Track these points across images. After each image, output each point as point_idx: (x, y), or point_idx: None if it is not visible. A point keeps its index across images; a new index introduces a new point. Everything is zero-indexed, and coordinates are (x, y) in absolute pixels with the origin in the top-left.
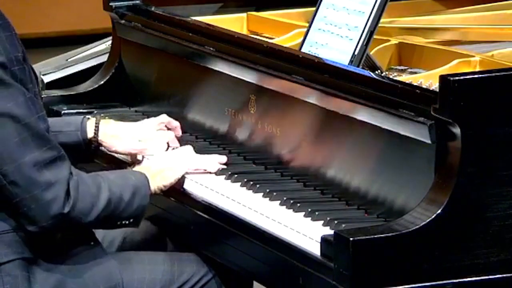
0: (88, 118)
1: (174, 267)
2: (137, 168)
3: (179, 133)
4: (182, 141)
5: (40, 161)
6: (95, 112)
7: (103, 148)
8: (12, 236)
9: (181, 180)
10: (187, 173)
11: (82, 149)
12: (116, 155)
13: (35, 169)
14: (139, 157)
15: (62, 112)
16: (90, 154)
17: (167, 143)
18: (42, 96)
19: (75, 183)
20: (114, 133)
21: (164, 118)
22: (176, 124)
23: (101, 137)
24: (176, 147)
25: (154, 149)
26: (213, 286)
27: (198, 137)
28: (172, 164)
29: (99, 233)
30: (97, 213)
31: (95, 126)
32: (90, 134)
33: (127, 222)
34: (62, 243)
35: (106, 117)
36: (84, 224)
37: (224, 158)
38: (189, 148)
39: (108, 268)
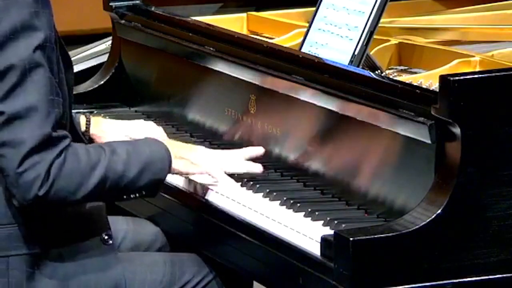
0: (81, 114)
1: (176, 268)
2: (168, 142)
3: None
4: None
5: (27, 143)
6: (95, 112)
7: (94, 142)
8: (22, 230)
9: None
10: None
11: None
12: None
13: (26, 149)
14: None
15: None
16: None
17: None
18: None
19: (59, 164)
20: (104, 128)
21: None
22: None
23: (93, 131)
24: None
25: None
26: (214, 287)
27: (198, 137)
28: (202, 160)
29: (118, 234)
30: (86, 191)
31: (87, 121)
32: (82, 128)
33: (137, 195)
34: (74, 237)
35: (102, 115)
36: (72, 201)
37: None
38: (230, 153)
39: (113, 269)
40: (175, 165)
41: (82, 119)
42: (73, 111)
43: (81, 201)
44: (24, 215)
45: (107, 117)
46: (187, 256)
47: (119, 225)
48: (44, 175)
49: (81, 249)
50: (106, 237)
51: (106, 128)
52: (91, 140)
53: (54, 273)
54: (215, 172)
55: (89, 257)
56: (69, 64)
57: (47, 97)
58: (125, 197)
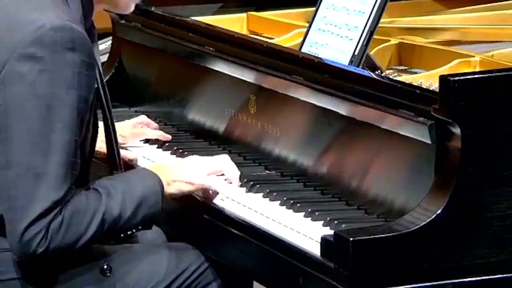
0: None
1: (173, 256)
2: (158, 169)
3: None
4: (179, 141)
5: (44, 204)
6: None
7: None
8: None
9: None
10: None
11: None
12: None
13: (38, 208)
14: (133, 156)
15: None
16: None
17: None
18: None
19: (58, 223)
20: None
21: (142, 118)
22: (155, 126)
23: None
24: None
25: (127, 148)
26: (210, 275)
27: (198, 137)
28: (194, 175)
29: None
30: (85, 241)
31: None
32: None
33: (134, 231)
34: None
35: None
36: (72, 250)
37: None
38: (221, 158)
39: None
40: (169, 191)
41: None
42: None
43: (79, 249)
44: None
45: None
46: (183, 245)
47: None
48: (44, 233)
49: (77, 279)
50: (105, 267)
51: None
52: None
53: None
54: (213, 185)
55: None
56: (96, 129)
57: (69, 158)
58: (122, 235)
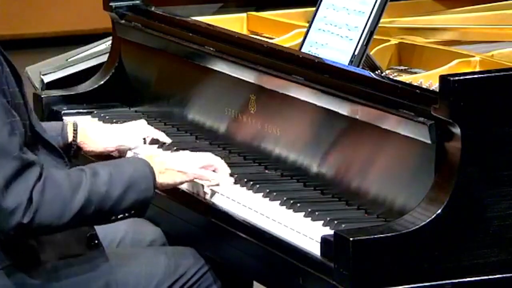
0: (68, 123)
1: (171, 260)
2: (150, 158)
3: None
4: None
5: (5, 174)
6: (95, 112)
7: (83, 151)
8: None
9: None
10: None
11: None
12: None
13: (1, 181)
14: (130, 154)
15: (62, 112)
16: (71, 157)
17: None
18: (42, 96)
19: (39, 190)
20: (90, 135)
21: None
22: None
23: (80, 139)
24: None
25: (130, 144)
26: (209, 278)
27: (198, 137)
28: (187, 165)
29: (99, 233)
30: (70, 215)
31: (74, 130)
32: (70, 137)
33: (126, 214)
34: (61, 246)
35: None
36: (58, 227)
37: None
38: (210, 155)
39: (101, 267)
40: (161, 179)
41: (70, 128)
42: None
43: (66, 227)
44: None
45: (107, 117)
46: (182, 248)
47: (119, 224)
48: (27, 202)
49: (72, 255)
50: (89, 236)
51: (92, 135)
52: (79, 149)
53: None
54: (206, 175)
55: (80, 264)
56: (18, 77)
57: (4, 122)
58: (112, 218)
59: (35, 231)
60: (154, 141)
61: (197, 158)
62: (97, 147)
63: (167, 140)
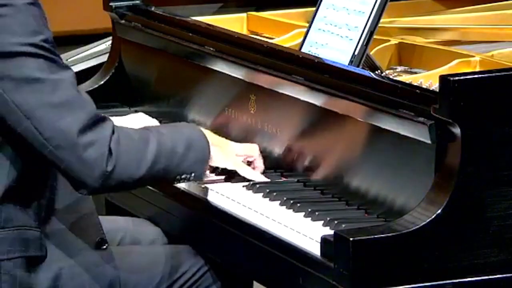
0: None
1: (173, 259)
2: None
3: None
4: None
5: (80, 123)
6: None
7: None
8: (17, 233)
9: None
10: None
11: None
12: None
13: (76, 130)
14: None
15: None
16: None
17: None
18: None
19: (116, 140)
20: None
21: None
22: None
23: None
24: None
25: None
26: (209, 279)
27: None
28: (230, 151)
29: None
30: (146, 167)
31: None
32: None
33: (187, 175)
34: (69, 241)
35: None
36: (136, 180)
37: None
38: (252, 147)
39: (107, 269)
40: (212, 151)
41: None
42: None
43: (143, 181)
44: (16, 220)
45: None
46: (183, 247)
47: (119, 224)
48: (107, 152)
49: (78, 251)
50: (100, 240)
51: None
52: None
53: (48, 277)
54: (242, 170)
55: (84, 260)
56: None
57: (72, 81)
58: (177, 177)
59: (118, 181)
60: None
61: (242, 147)
62: None
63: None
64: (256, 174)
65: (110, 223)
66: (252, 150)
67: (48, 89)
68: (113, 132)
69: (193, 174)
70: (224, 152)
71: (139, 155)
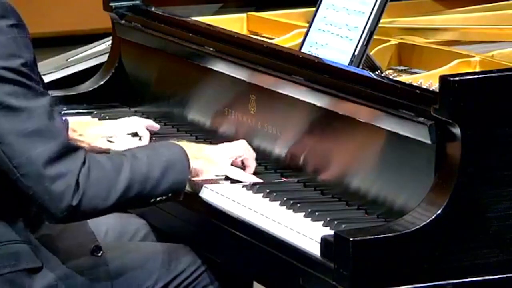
0: None
1: (171, 257)
2: (186, 144)
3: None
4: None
5: (49, 154)
6: (95, 112)
7: None
8: (5, 248)
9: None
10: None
11: None
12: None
13: (45, 161)
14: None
15: (62, 112)
16: None
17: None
18: None
19: (85, 173)
20: (82, 131)
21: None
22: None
23: (71, 135)
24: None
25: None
26: (207, 279)
27: (198, 137)
28: (219, 156)
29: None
30: (116, 196)
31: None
32: None
33: (163, 197)
34: (64, 252)
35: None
36: (104, 209)
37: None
38: (240, 146)
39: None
40: (194, 164)
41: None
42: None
43: (112, 208)
44: (2, 236)
45: (107, 117)
46: (181, 246)
47: (102, 219)
48: (74, 185)
49: (74, 261)
50: (94, 248)
51: (84, 132)
52: None
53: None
54: (233, 174)
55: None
56: (43, 84)
57: (47, 110)
58: (152, 200)
59: (83, 213)
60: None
61: (228, 149)
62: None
63: (156, 126)
64: (248, 176)
65: (93, 220)
66: (240, 148)
67: (21, 117)
68: (83, 163)
69: (170, 195)
70: (211, 163)
71: (109, 185)
